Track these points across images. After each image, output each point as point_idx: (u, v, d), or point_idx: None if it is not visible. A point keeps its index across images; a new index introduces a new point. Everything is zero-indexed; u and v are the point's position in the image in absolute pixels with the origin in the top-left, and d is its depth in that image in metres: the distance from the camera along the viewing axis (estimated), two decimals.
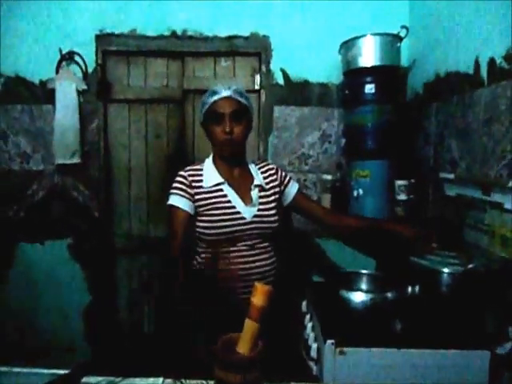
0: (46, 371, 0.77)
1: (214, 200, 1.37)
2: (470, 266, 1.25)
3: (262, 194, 1.44)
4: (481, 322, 1.24)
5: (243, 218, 1.36)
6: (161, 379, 0.85)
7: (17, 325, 2.31)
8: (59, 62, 2.21)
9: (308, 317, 1.51)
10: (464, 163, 1.61)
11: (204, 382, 0.83)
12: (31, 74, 2.25)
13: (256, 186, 1.43)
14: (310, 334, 1.39)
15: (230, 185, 1.40)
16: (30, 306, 2.32)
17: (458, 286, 1.25)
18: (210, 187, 1.39)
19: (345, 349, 1.16)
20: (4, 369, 0.78)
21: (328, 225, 1.59)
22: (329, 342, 1.16)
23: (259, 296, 0.69)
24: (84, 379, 0.79)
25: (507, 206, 1.29)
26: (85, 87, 2.24)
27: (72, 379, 0.74)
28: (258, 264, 1.38)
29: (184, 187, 1.39)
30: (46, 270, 2.33)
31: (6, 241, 2.31)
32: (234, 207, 1.37)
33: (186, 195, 1.38)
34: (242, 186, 1.42)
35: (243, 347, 0.70)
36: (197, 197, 1.38)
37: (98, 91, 2.26)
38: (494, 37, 1.43)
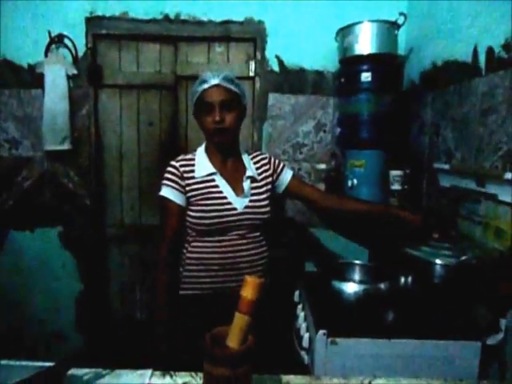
0: (31, 363, 0.76)
1: (205, 190, 1.36)
2: (464, 257, 1.25)
3: (254, 185, 1.42)
4: (472, 313, 1.24)
5: (234, 209, 1.35)
6: (149, 371, 0.84)
7: (7, 314, 2.29)
8: (48, 46, 2.15)
9: (300, 307, 1.51)
10: (459, 154, 1.60)
11: (193, 374, 0.82)
12: (19, 57, 2.18)
13: (248, 177, 1.42)
14: (301, 324, 1.39)
15: (221, 175, 1.39)
16: (20, 295, 2.31)
17: (450, 278, 1.25)
18: (202, 177, 1.37)
19: (337, 339, 1.16)
20: None
21: (327, 208, 1.54)
22: (321, 332, 1.16)
23: (249, 289, 0.68)
24: (71, 371, 0.77)
25: (502, 197, 1.28)
26: (75, 72, 2.18)
27: (58, 372, 0.72)
28: (247, 253, 1.38)
29: (175, 178, 1.37)
30: (37, 258, 2.31)
31: None
32: (225, 198, 1.36)
33: (178, 187, 1.37)
34: (235, 176, 1.40)
35: (233, 341, 0.69)
36: (188, 188, 1.37)
37: (88, 76, 2.21)
38: (493, 25, 1.40)
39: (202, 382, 0.72)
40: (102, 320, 2.35)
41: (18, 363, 0.76)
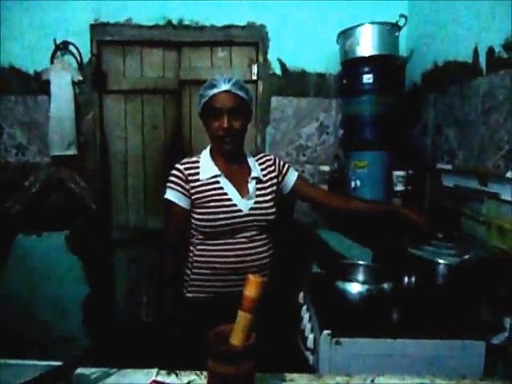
0: (40, 363, 0.77)
1: (210, 192, 1.36)
2: (467, 256, 1.25)
3: (259, 186, 1.42)
4: (476, 312, 1.24)
5: (240, 211, 1.35)
6: (155, 370, 0.85)
7: (15, 316, 2.31)
8: (54, 53, 2.18)
9: (305, 308, 1.52)
10: (462, 154, 1.60)
11: (198, 372, 0.84)
12: (25, 64, 2.22)
13: (253, 178, 1.42)
14: (306, 324, 1.39)
15: (226, 177, 1.39)
16: (28, 298, 2.33)
17: (454, 277, 1.26)
18: (207, 179, 1.38)
19: (341, 339, 1.16)
20: None
21: (333, 208, 1.55)
22: (325, 332, 1.17)
23: (251, 288, 0.69)
24: (78, 370, 0.79)
25: (504, 196, 1.28)
26: (80, 78, 2.21)
27: (66, 371, 0.74)
28: (256, 257, 1.38)
29: (180, 181, 1.38)
30: (44, 262, 2.33)
31: (3, 233, 2.31)
32: (230, 200, 1.36)
33: (182, 190, 1.37)
34: (239, 178, 1.41)
35: (236, 338, 0.70)
36: (193, 190, 1.37)
37: (93, 82, 2.24)
38: (493, 25, 1.41)
39: (206, 380, 0.73)
40: (108, 322, 2.37)
41: (26, 362, 0.78)
